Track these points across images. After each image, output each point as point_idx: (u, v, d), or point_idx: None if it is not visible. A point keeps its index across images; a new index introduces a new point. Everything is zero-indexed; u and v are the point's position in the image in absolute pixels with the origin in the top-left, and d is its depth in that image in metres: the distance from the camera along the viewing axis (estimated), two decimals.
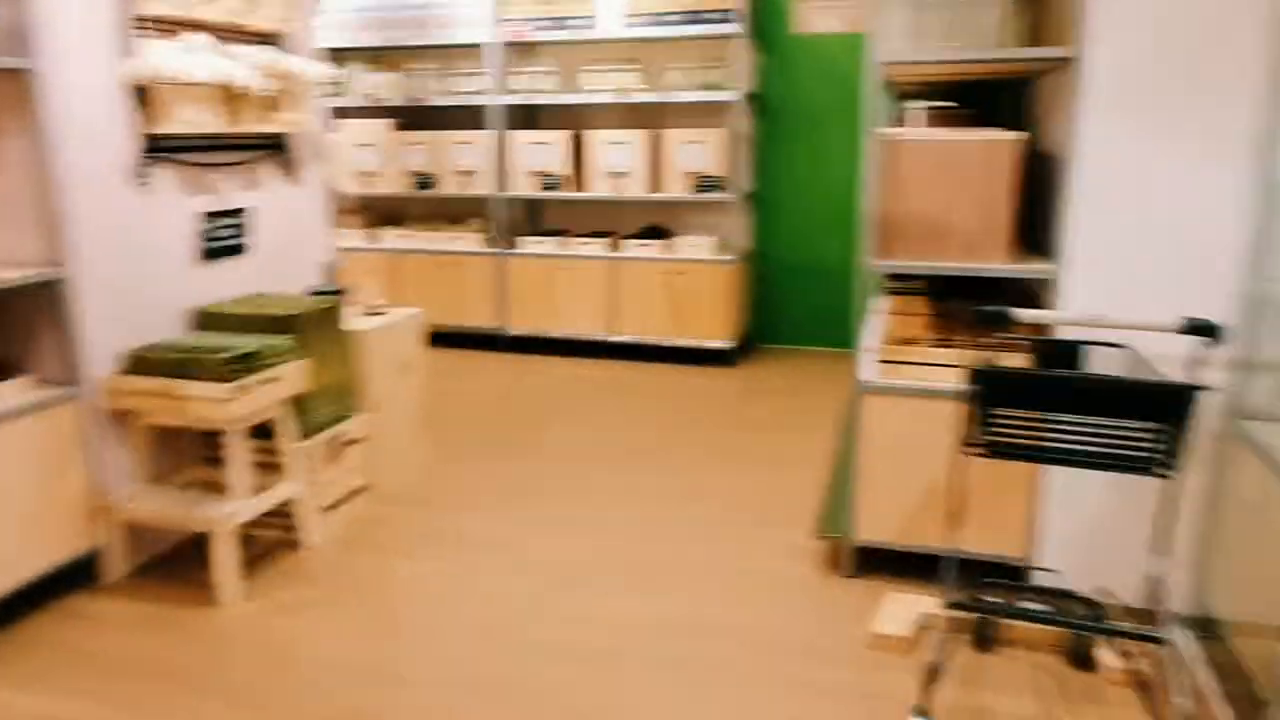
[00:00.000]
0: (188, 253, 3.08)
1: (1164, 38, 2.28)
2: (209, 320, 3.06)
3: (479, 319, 5.76)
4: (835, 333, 5.72)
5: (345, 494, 3.26)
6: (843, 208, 5.54)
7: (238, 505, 2.74)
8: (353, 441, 3.28)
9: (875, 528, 2.80)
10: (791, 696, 2.28)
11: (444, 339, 5.91)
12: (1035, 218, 3.04)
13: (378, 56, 5.93)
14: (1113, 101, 2.35)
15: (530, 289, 5.62)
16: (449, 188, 5.77)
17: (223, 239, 3.20)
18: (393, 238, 5.84)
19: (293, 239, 3.57)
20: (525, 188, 5.61)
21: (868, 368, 2.77)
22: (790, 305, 5.81)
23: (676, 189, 5.34)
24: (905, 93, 4.16)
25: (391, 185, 5.86)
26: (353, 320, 3.43)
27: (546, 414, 4.49)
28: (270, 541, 3.11)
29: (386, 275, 5.86)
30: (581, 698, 2.28)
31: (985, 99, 4.45)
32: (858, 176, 5.45)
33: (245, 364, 2.72)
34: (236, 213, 3.26)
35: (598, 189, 5.48)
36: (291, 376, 2.89)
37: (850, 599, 2.72)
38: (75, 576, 2.79)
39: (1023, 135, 2.54)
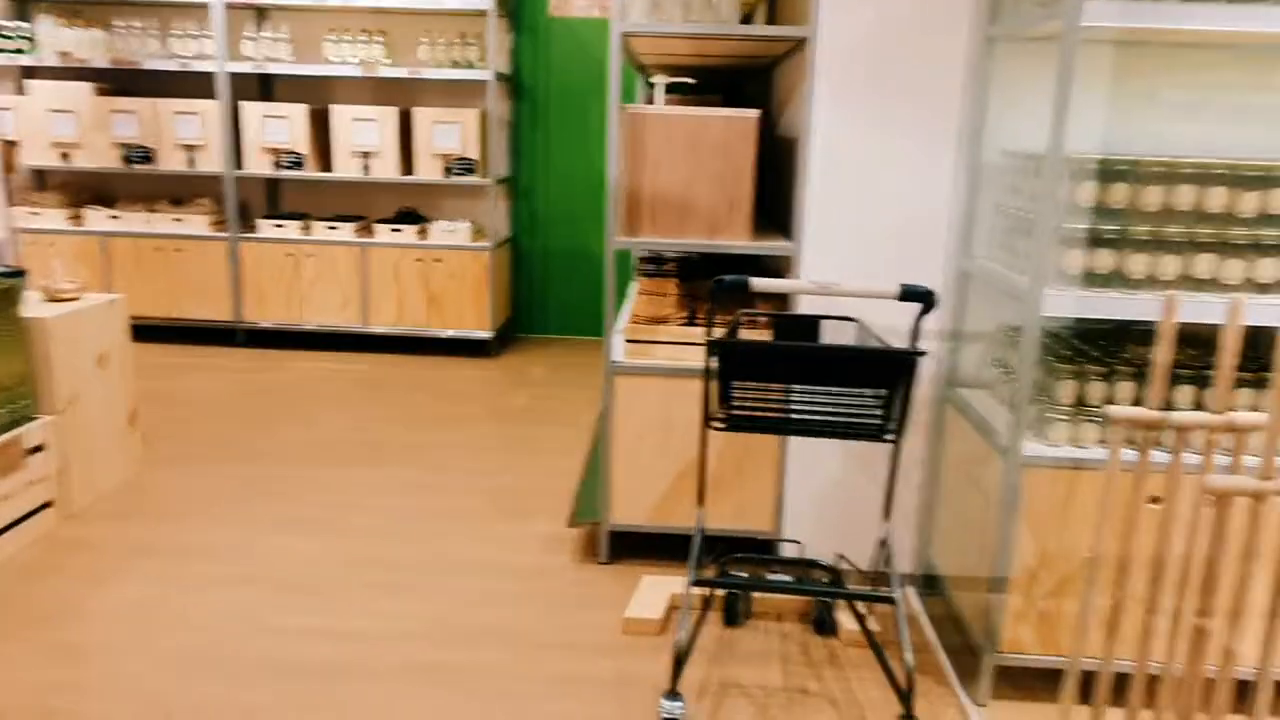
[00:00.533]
0: None
1: (887, 22, 2.38)
2: None
3: (209, 311, 5.20)
4: (598, 321, 5.71)
5: (23, 512, 2.76)
6: (602, 194, 5.52)
7: None
8: (33, 449, 2.79)
9: (629, 511, 2.75)
10: (549, 695, 2.16)
11: (168, 333, 5.28)
12: (778, 199, 3.11)
13: (75, 9, 5.18)
14: (841, 84, 2.42)
15: (270, 278, 5.14)
16: (170, 163, 5.15)
17: None
18: (101, 219, 5.13)
19: None
20: (262, 165, 5.12)
21: (617, 349, 2.71)
22: (551, 293, 5.72)
23: (430, 171, 5.08)
24: (653, 74, 4.17)
25: (97, 158, 5.14)
26: (32, 307, 2.92)
27: (285, 412, 4.10)
28: None
29: (93, 261, 5.14)
30: (307, 718, 2.04)
31: (733, 85, 4.56)
32: None
33: None
34: None
35: (344, 169, 5.10)
36: None
37: (606, 585, 2.65)
38: None
39: (759, 113, 2.58)
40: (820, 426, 1.93)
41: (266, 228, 5.15)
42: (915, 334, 1.95)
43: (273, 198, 5.58)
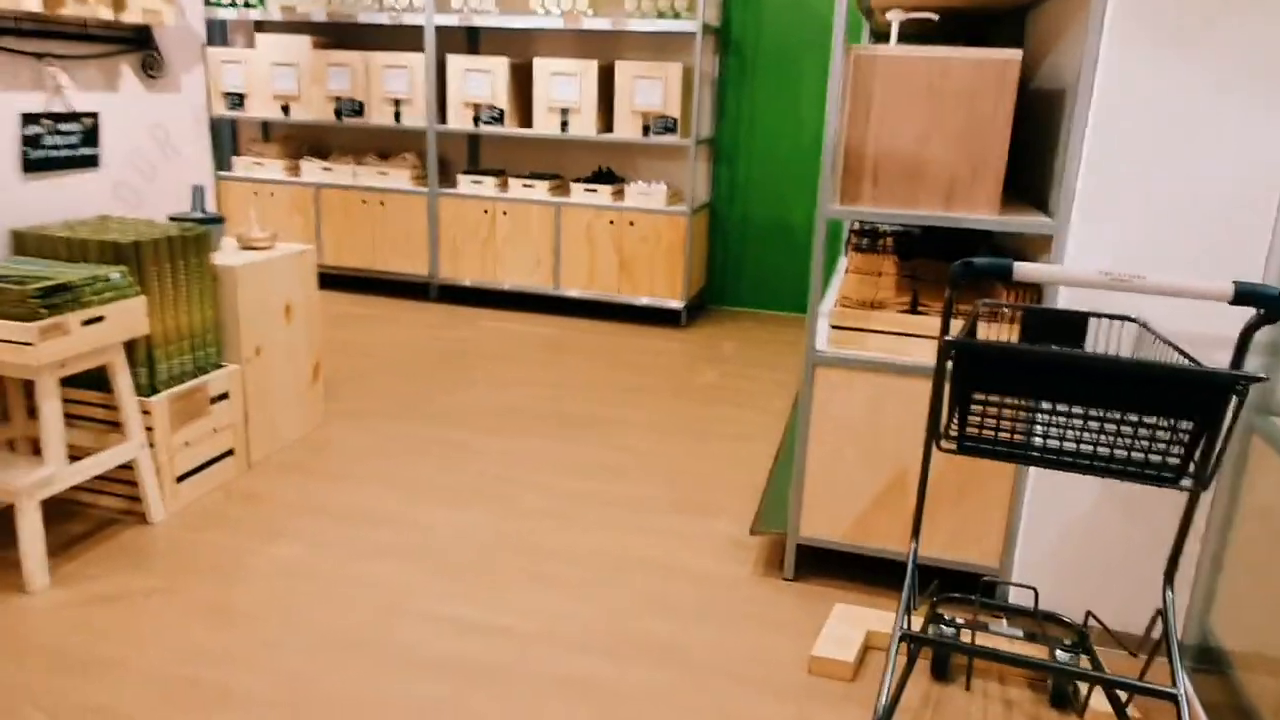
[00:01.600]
0: (4, 163, 2.52)
1: None
2: (31, 244, 2.52)
3: (406, 264, 5.23)
4: (798, 297, 5.27)
5: (205, 459, 2.76)
6: (813, 159, 5.06)
7: (48, 471, 2.23)
8: (218, 398, 2.77)
9: (821, 524, 2.37)
10: None
11: (366, 285, 5.37)
12: (1028, 166, 2.58)
13: None
14: (1141, 21, 1.88)
15: (465, 234, 5.09)
16: (378, 117, 5.19)
17: (57, 148, 2.65)
18: (315, 170, 5.26)
19: (158, 156, 3.02)
20: (464, 120, 5.05)
21: (821, 334, 2.32)
22: (748, 264, 5.34)
23: (628, 129, 4.82)
24: (883, 15, 3.67)
25: (313, 111, 5.26)
26: (223, 255, 2.91)
27: (468, 373, 4.00)
28: (106, 514, 2.61)
29: (306, 211, 5.29)
30: None
31: (975, 33, 3.97)
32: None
33: (59, 298, 2.20)
34: (79, 117, 2.70)
35: (543, 126, 4.94)
36: (126, 316, 2.37)
37: (790, 607, 2.29)
38: None
39: (1019, 54, 2.07)
40: (1092, 462, 1.47)
41: (465, 183, 5.09)
42: (1242, 349, 1.43)
43: (473, 153, 5.53)
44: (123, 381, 2.42)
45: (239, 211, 5.29)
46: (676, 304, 4.85)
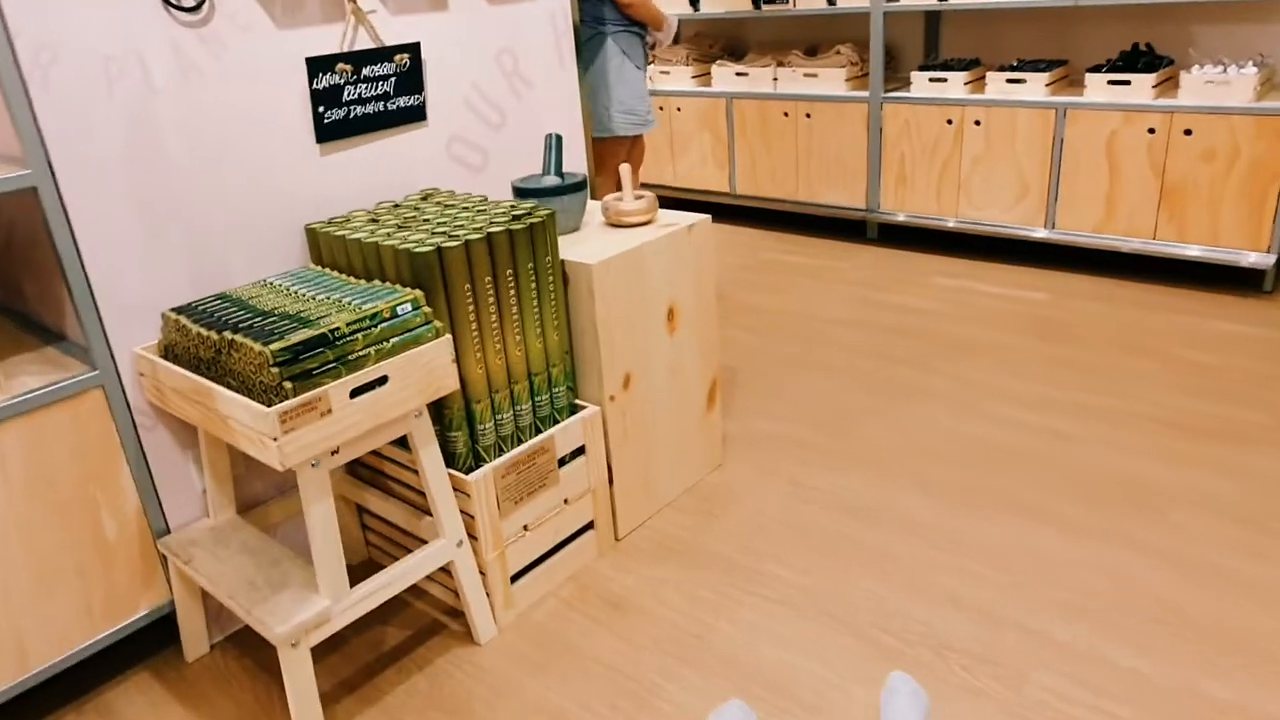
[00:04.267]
0: (294, 129, 1.79)
1: None
2: (324, 247, 1.79)
3: (838, 195, 4.04)
4: None
5: (553, 544, 1.93)
6: None
7: (321, 605, 1.51)
8: (570, 455, 1.91)
9: None
10: None
11: (786, 221, 4.29)
12: None
13: None
14: None
15: (918, 153, 3.74)
16: (807, 0, 3.97)
17: (364, 100, 1.88)
18: (727, 77, 4.23)
19: (505, 93, 2.16)
20: None
21: None
22: None
23: None
24: None
25: (726, 1, 4.19)
26: (580, 241, 1.98)
27: (920, 373, 2.77)
28: (416, 624, 1.90)
29: (715, 129, 4.31)
30: None
31: None
32: None
33: (315, 358, 1.41)
34: (391, 54, 1.90)
35: None
36: (422, 371, 1.54)
37: None
38: (147, 643, 1.81)
39: None
40: None
41: (920, 82, 3.71)
42: None
43: (932, 40, 4.08)
44: (427, 458, 1.63)
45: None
46: (1258, 258, 3.08)
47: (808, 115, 4.00)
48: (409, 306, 1.52)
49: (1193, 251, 3.19)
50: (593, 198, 2.58)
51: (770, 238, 4.17)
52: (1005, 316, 3.12)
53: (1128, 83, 3.22)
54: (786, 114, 4.06)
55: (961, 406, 2.55)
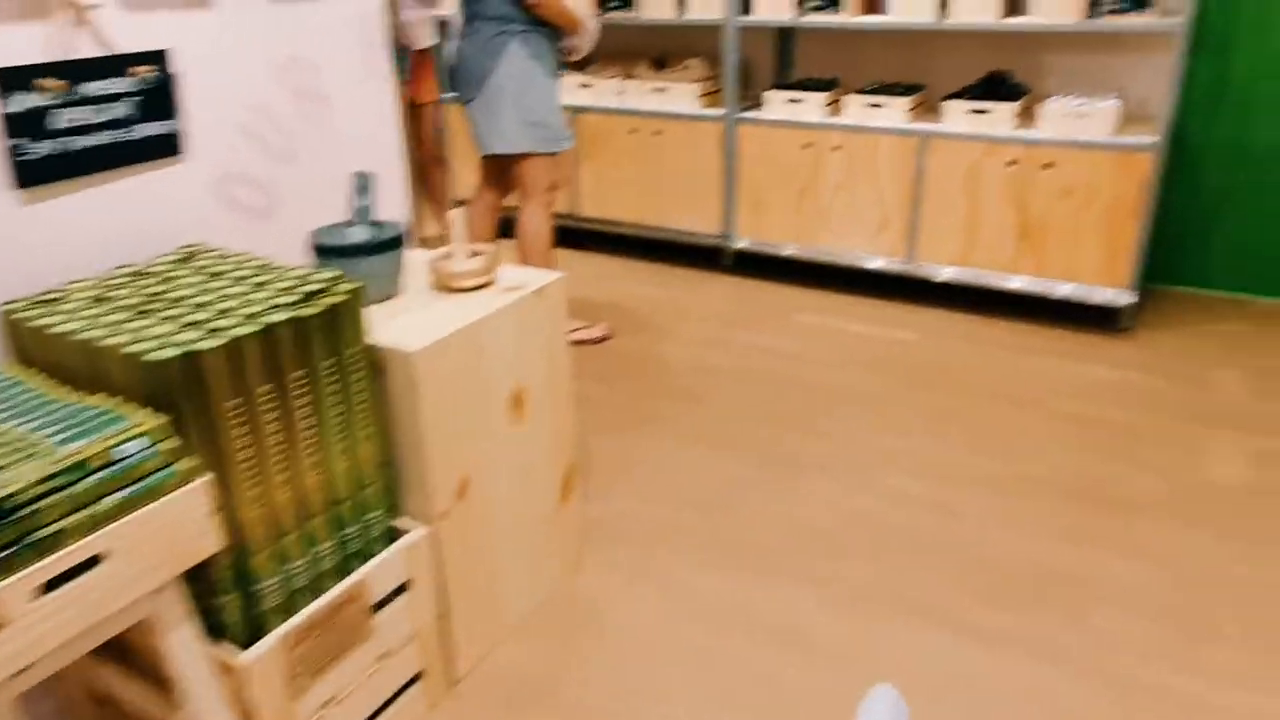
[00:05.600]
0: None
1: None
2: (30, 344, 1.27)
3: (690, 219, 3.74)
4: None
5: (372, 710, 1.48)
6: None
7: None
8: (389, 597, 1.47)
9: None
10: None
11: (635, 246, 3.96)
12: None
13: None
14: None
15: (774, 179, 3.50)
16: (653, 8, 3.65)
17: (89, 129, 1.36)
18: (570, 89, 3.84)
19: (293, 115, 1.69)
20: (776, 7, 3.39)
21: None
22: (1234, 223, 3.31)
23: (1052, 8, 2.93)
24: None
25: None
26: (397, 316, 1.55)
27: (790, 428, 2.49)
28: None
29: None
30: None
31: None
32: None
33: None
34: (124, 65, 1.39)
35: (903, 11, 3.17)
36: (162, 535, 1.06)
37: None
38: None
39: None
40: None
41: (776, 102, 3.47)
42: None
43: (785, 57, 3.85)
44: (176, 644, 1.15)
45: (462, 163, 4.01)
46: (1119, 294, 3.01)
47: (657, 133, 3.68)
48: (138, 445, 1.04)
49: (1053, 288, 3.09)
50: (505, 236, 2.13)
51: (619, 265, 3.83)
52: (877, 361, 2.90)
53: (987, 110, 3.09)
54: (634, 130, 3.73)
55: (846, 474, 2.28)
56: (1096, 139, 2.92)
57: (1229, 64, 3.14)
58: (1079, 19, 2.90)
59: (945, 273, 3.25)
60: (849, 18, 3.28)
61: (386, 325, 1.49)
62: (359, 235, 1.60)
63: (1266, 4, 3.03)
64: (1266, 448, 2.36)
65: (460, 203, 3.54)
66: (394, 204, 1.90)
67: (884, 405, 2.62)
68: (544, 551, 1.84)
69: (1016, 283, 3.14)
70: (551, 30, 2.66)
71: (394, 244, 1.59)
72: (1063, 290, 3.08)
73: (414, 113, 3.47)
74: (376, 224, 1.64)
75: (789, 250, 3.53)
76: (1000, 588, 1.87)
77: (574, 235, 3.97)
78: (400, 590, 1.48)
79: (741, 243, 3.64)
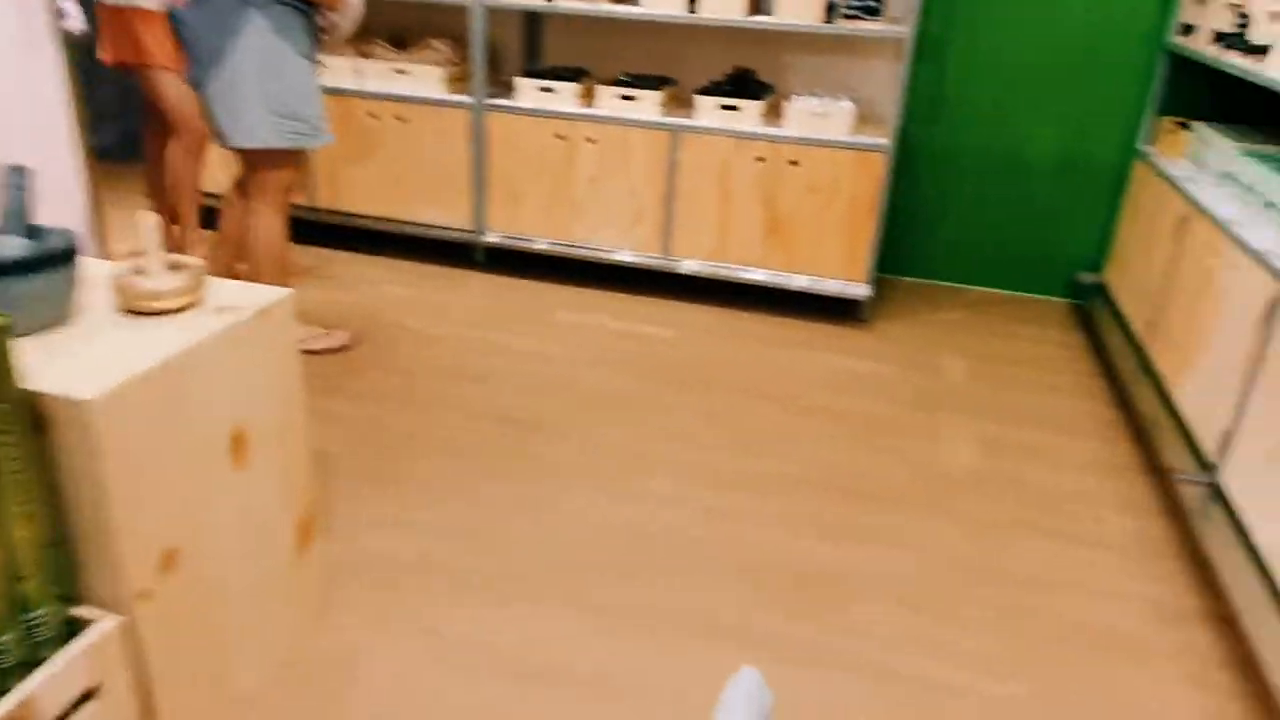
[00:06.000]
0: None
1: None
2: None
3: (439, 213, 3.50)
4: (1043, 269, 3.57)
5: None
6: (1080, 64, 3.26)
7: None
8: (66, 714, 1.17)
9: None
10: None
11: (380, 241, 3.65)
12: None
13: None
14: None
15: (527, 170, 3.35)
16: None
17: None
18: None
19: None
20: None
21: None
22: (953, 219, 3.59)
23: (798, 9, 3.00)
24: None
25: None
26: (66, 354, 1.24)
27: (551, 436, 2.37)
28: None
29: None
30: None
31: None
32: (1115, 15, 3.16)
33: None
34: None
35: (649, 2, 3.13)
36: None
37: None
38: None
39: None
40: None
41: (527, 90, 3.31)
42: None
43: (533, 43, 3.70)
44: None
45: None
46: (858, 288, 3.16)
47: (399, 118, 3.40)
48: None
49: (800, 282, 3.20)
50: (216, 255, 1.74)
51: (364, 263, 3.51)
52: (638, 360, 2.85)
53: (737, 108, 3.12)
54: (374, 115, 3.42)
55: (610, 484, 2.19)
56: (836, 138, 3.03)
57: (944, 72, 3.39)
58: (817, 21, 2.99)
59: (690, 265, 3.27)
60: (602, 5, 3.18)
61: (50, 365, 1.18)
62: (12, 248, 1.26)
63: (977, 15, 3.29)
64: (990, 433, 2.56)
65: (211, 197, 3.07)
66: (64, 207, 1.55)
67: (646, 408, 2.56)
68: (281, 611, 1.59)
69: (767, 278, 3.21)
70: (304, 3, 2.30)
71: (60, 259, 1.27)
72: (809, 284, 3.19)
73: (144, 78, 2.89)
74: (36, 232, 1.30)
75: (543, 245, 3.40)
76: (775, 593, 1.86)
77: (310, 229, 3.59)
78: (86, 698, 1.19)
79: (493, 237, 3.46)
